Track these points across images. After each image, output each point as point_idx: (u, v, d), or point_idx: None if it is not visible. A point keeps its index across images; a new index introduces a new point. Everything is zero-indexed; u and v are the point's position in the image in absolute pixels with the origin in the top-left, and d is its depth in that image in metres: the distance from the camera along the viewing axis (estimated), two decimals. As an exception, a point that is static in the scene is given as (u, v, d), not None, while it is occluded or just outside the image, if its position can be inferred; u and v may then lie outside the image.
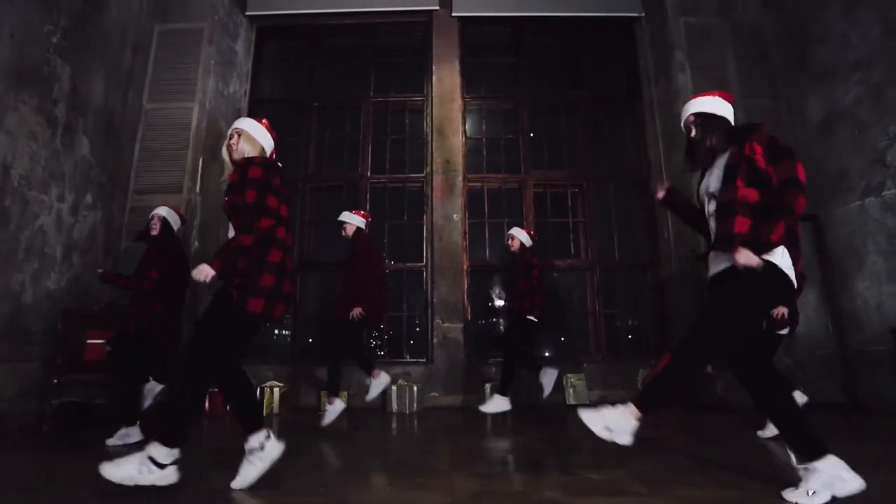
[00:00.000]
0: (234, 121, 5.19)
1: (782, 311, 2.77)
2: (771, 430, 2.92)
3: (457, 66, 5.57)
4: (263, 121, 2.22)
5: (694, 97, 2.04)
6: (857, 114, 4.11)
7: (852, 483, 1.62)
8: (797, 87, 4.77)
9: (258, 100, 5.76)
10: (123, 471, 1.73)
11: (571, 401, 4.53)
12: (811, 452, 1.66)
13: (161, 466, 1.75)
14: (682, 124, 2.04)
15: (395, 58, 6.00)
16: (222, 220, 4.76)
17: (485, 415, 3.84)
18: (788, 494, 1.64)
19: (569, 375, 4.59)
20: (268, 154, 2.17)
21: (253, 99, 5.69)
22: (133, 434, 2.89)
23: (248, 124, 2.15)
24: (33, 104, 3.66)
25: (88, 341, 3.59)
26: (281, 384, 4.37)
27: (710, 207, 1.88)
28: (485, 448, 2.82)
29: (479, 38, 5.89)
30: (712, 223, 1.87)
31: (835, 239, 4.36)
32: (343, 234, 3.80)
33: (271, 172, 1.97)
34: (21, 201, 3.55)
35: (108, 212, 4.45)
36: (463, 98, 5.57)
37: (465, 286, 5.04)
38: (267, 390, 4.30)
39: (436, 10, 5.66)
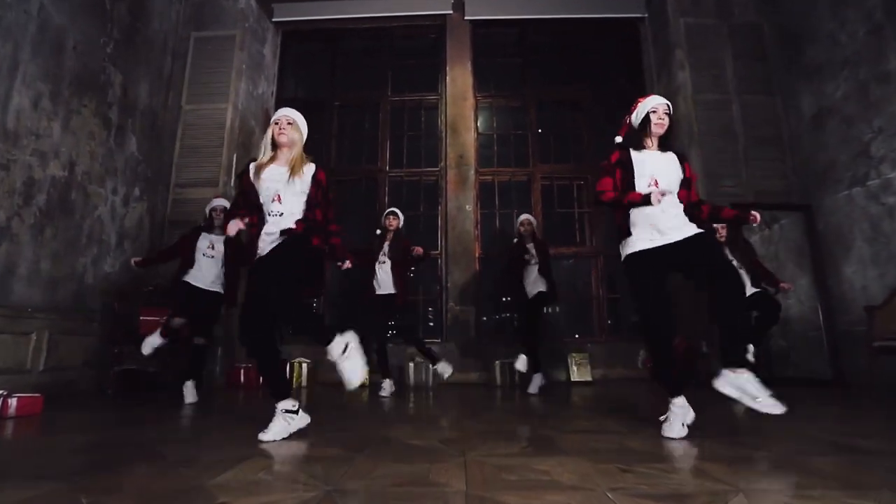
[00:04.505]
0: (262, 119, 5.69)
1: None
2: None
3: (469, 66, 5.93)
4: None
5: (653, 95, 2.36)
6: (845, 109, 4.38)
7: (691, 416, 2.04)
8: (790, 84, 5.03)
9: (283, 99, 6.18)
10: (275, 431, 2.00)
11: (575, 377, 4.89)
12: (672, 392, 2.10)
13: (295, 412, 2.08)
14: (655, 107, 2.29)
15: (411, 59, 6.37)
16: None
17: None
18: (664, 429, 2.01)
19: (573, 354, 4.94)
20: None
21: (279, 99, 6.11)
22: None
23: None
24: (92, 108, 4.12)
25: (142, 318, 4.05)
26: (308, 360, 4.80)
27: (662, 186, 2.23)
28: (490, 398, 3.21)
29: (489, 40, 6.23)
30: (667, 204, 2.21)
31: (825, 226, 4.64)
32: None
33: None
34: (83, 194, 4.02)
35: (152, 203, 4.92)
36: (475, 96, 5.93)
37: (477, 272, 5.42)
38: (296, 365, 4.74)
39: (449, 14, 6.02)
